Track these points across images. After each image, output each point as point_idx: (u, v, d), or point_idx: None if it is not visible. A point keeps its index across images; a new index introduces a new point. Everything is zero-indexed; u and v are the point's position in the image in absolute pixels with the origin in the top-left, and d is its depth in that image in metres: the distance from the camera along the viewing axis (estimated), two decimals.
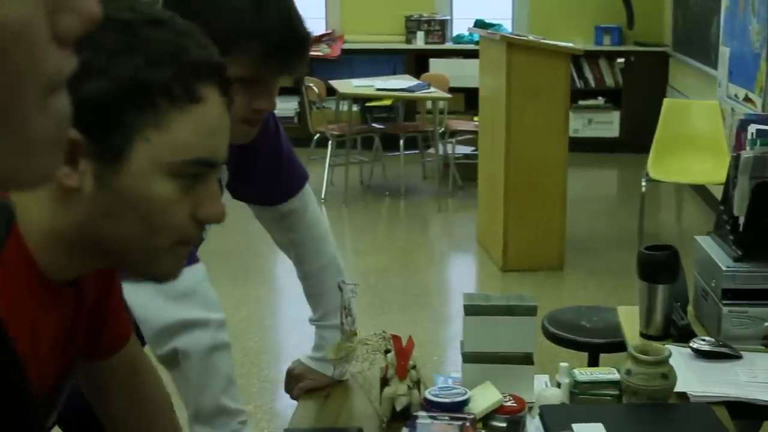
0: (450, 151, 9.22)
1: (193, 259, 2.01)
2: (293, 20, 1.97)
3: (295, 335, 5.49)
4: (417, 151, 9.70)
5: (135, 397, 1.68)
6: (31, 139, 0.72)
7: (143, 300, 1.95)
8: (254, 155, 2.35)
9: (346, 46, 10.78)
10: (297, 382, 2.57)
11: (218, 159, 1.31)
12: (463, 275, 7.38)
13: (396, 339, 2.35)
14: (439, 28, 10.83)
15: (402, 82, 9.07)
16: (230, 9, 1.91)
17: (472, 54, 9.47)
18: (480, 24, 10.26)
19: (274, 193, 2.48)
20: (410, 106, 10.14)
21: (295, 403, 2.57)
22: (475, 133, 8.57)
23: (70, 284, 1.36)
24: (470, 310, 2.43)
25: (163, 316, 1.99)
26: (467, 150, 9.31)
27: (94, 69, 1.21)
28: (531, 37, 7.11)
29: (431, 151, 9.44)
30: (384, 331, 2.42)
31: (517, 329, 2.42)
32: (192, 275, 1.99)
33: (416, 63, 10.59)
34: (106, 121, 1.23)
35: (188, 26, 1.29)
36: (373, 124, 9.42)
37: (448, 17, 11.01)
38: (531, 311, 2.42)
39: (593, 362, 3.78)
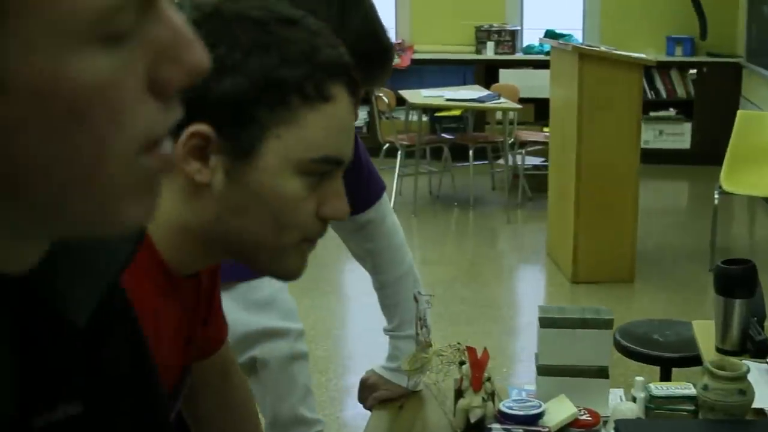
0: (519, 162, 9.18)
1: None
2: (377, 31, 1.99)
3: (363, 345, 5.50)
4: (486, 162, 9.67)
5: (223, 400, 1.70)
6: (119, 194, 0.73)
7: (225, 307, 1.97)
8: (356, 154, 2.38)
9: (416, 56, 10.79)
10: (371, 392, 2.57)
11: (345, 157, 1.33)
12: (532, 287, 7.34)
13: (471, 351, 2.35)
14: (509, 38, 10.80)
15: (472, 92, 9.05)
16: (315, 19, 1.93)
17: (542, 64, 9.45)
18: (551, 34, 10.22)
19: (353, 203, 2.50)
20: (480, 117, 10.12)
21: (365, 413, 2.57)
22: (544, 143, 8.55)
23: (190, 277, 1.39)
24: (545, 323, 2.42)
25: (244, 324, 2.00)
26: (537, 161, 9.28)
27: (228, 66, 1.23)
28: (603, 48, 7.08)
29: (500, 161, 9.41)
30: (459, 343, 2.41)
31: (593, 342, 2.40)
32: (272, 285, 2.01)
33: (486, 73, 10.56)
34: (238, 118, 1.25)
35: (319, 26, 1.31)
36: (443, 134, 9.42)
37: (518, 27, 10.97)
38: (607, 324, 2.41)
39: (665, 377, 3.74)
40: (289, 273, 1.37)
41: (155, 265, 1.31)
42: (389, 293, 2.57)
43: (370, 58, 1.96)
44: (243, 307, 2.02)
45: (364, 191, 2.50)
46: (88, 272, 0.85)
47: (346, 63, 1.30)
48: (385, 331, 2.61)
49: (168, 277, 1.33)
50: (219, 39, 1.24)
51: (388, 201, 2.58)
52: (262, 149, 1.26)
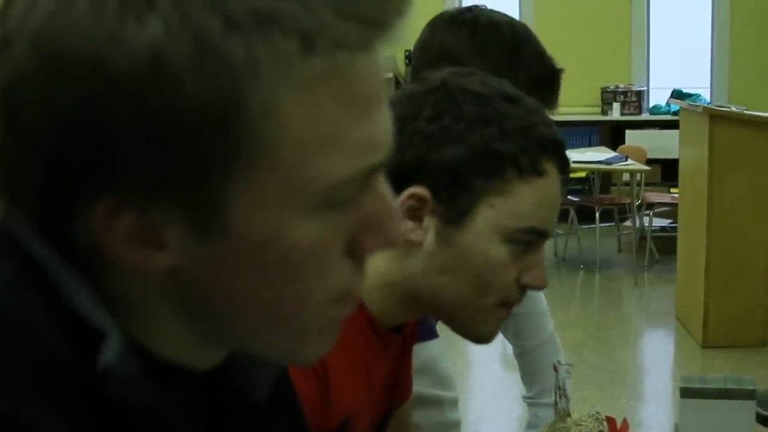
0: (647, 224, 9.08)
1: (432, 334, 2.04)
2: (547, 54, 2.10)
3: (491, 410, 5.46)
4: (613, 224, 9.59)
5: None
6: (308, 335, 0.81)
7: None
8: None
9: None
10: None
11: (550, 230, 1.39)
12: (660, 351, 7.23)
13: (611, 421, 2.30)
14: (635, 98, 10.72)
15: (598, 153, 9.01)
16: (492, 48, 2.04)
17: (669, 125, 9.36)
18: (678, 94, 10.12)
19: None
20: (606, 178, 10.04)
21: None
22: (672, 205, 8.45)
23: (396, 330, 1.45)
24: (687, 393, 2.37)
25: None
26: (664, 222, 9.17)
27: (451, 136, 1.31)
28: (733, 108, 6.99)
29: (627, 223, 9.32)
30: (598, 413, 2.37)
31: (735, 413, 2.34)
32: (429, 350, 2.01)
33: (612, 134, 10.49)
34: (456, 184, 1.32)
35: (537, 104, 1.38)
36: (569, 196, 9.37)
37: (645, 88, 10.89)
38: (749, 395, 2.35)
39: None
40: (482, 336, 1.45)
41: (364, 320, 1.38)
42: (531, 360, 2.56)
43: (546, 80, 2.06)
44: None
45: None
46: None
47: (560, 141, 1.36)
48: (524, 398, 2.60)
49: (376, 331, 1.40)
50: (444, 109, 1.33)
51: None
52: (474, 215, 1.32)
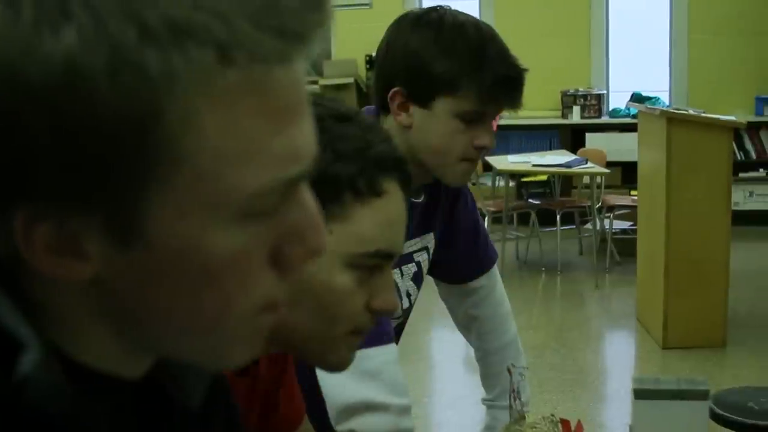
0: (607, 226, 9.13)
1: (386, 340, 2.02)
2: (511, 55, 2.12)
3: (454, 413, 5.47)
4: (573, 227, 9.65)
5: None
6: (231, 343, 0.82)
7: (329, 376, 1.97)
8: (456, 228, 2.45)
9: (502, 121, 10.76)
10: None
11: (396, 251, 1.32)
12: (622, 353, 7.27)
13: (565, 423, 2.32)
14: (595, 102, 10.76)
15: (558, 157, 9.05)
16: (457, 49, 2.07)
17: (629, 127, 9.41)
18: (637, 97, 10.18)
19: (470, 266, 2.53)
20: (566, 181, 10.08)
21: None
22: (632, 207, 8.49)
23: (241, 374, 1.39)
24: (640, 395, 2.39)
25: (346, 394, 1.99)
26: (625, 225, 9.22)
27: None
28: (691, 111, 7.04)
29: (588, 226, 9.37)
30: (552, 415, 2.39)
31: (689, 414, 2.37)
32: (382, 356, 2.00)
33: (572, 137, 10.54)
34: None
35: (371, 121, 1.33)
36: (530, 200, 9.41)
37: (604, 91, 10.94)
38: (703, 395, 2.37)
39: None
40: (335, 365, 1.37)
41: None
42: (493, 361, 2.58)
43: (510, 79, 2.08)
44: (348, 376, 2.00)
45: (482, 255, 2.54)
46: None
47: (398, 157, 1.30)
48: (484, 401, 2.60)
49: None
50: None
51: (497, 270, 2.60)
52: None
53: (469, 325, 2.58)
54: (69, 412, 0.75)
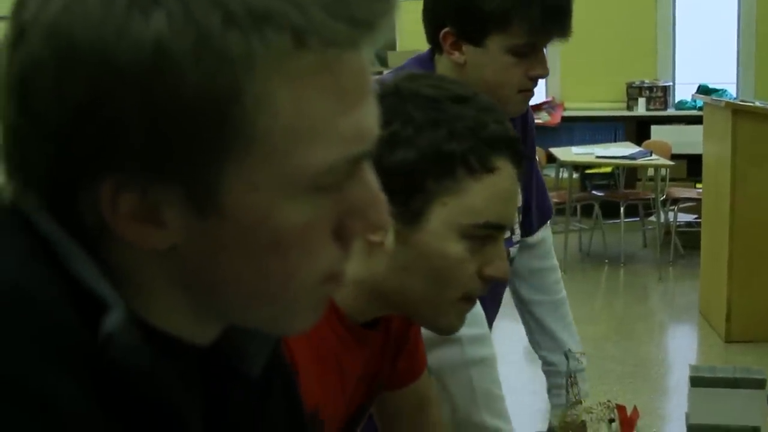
0: (671, 219, 9.09)
1: None
2: None
3: (511, 406, 5.48)
4: (637, 219, 9.58)
5: (419, 430, 1.76)
6: (296, 310, 0.87)
7: None
8: (530, 167, 2.50)
9: (566, 113, 10.75)
10: None
11: (507, 223, 1.44)
12: (684, 346, 7.25)
13: (621, 409, 2.35)
14: (661, 94, 10.68)
15: (623, 149, 9.02)
16: None
17: (695, 120, 9.32)
18: (704, 90, 10.08)
19: (530, 219, 2.57)
20: (631, 173, 10.02)
21: None
22: (697, 200, 8.44)
23: (371, 326, 1.50)
24: (696, 382, 2.41)
25: None
26: (689, 218, 9.17)
27: (402, 140, 1.36)
28: (757, 103, 6.98)
29: (652, 218, 9.32)
30: (609, 401, 2.42)
31: (745, 402, 2.38)
32: None
33: (637, 129, 10.44)
34: (409, 187, 1.37)
35: (489, 103, 1.43)
36: (593, 192, 9.39)
37: (670, 83, 10.85)
38: (759, 384, 2.38)
39: None
40: (446, 328, 1.48)
41: (335, 317, 1.42)
42: (564, 313, 2.62)
43: (558, 8, 2.13)
44: None
45: (541, 208, 2.58)
46: (259, 331, 0.95)
47: (511, 137, 1.41)
48: (568, 353, 2.60)
49: (347, 327, 1.44)
50: (394, 115, 1.36)
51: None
52: (429, 215, 1.37)
53: (529, 278, 2.61)
54: (149, 369, 0.80)
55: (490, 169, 1.38)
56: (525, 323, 2.70)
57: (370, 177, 0.86)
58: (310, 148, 0.78)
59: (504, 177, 1.40)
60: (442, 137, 1.36)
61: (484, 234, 1.40)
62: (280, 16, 0.75)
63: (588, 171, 9.66)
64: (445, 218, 1.37)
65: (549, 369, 2.64)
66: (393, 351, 1.61)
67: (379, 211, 0.85)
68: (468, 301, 1.45)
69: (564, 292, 2.63)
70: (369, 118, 0.83)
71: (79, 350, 0.76)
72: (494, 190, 1.39)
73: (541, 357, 2.67)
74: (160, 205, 0.78)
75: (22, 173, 0.81)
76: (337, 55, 0.78)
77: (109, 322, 0.78)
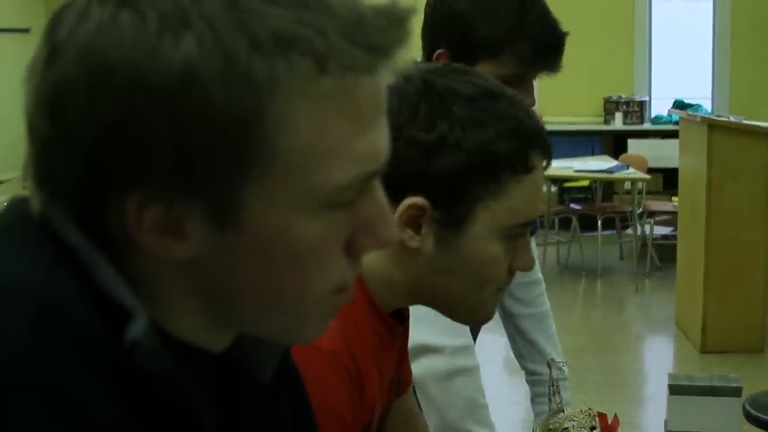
0: (648, 232, 9.17)
1: None
2: (552, 19, 2.15)
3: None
4: (614, 232, 9.68)
5: None
6: (307, 320, 0.91)
7: None
8: None
9: (545, 127, 10.75)
10: None
11: (536, 217, 1.44)
12: (660, 356, 7.31)
13: (602, 417, 2.40)
14: (637, 109, 10.78)
15: (600, 163, 9.10)
16: (500, 14, 2.09)
17: (671, 134, 9.42)
18: (679, 104, 10.19)
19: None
20: (608, 187, 10.08)
21: None
22: (673, 213, 8.52)
23: (399, 320, 1.49)
24: (675, 390, 2.48)
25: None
26: (665, 230, 9.24)
27: (449, 143, 1.32)
28: (732, 118, 7.07)
29: (629, 231, 9.41)
30: (590, 409, 2.48)
31: (722, 410, 2.44)
32: None
33: (614, 143, 10.54)
34: (454, 192, 1.34)
35: (517, 97, 1.40)
36: (571, 205, 9.46)
37: (647, 98, 10.96)
38: (736, 392, 2.45)
39: None
40: (483, 320, 1.48)
41: (378, 318, 1.43)
42: (548, 325, 2.66)
43: (549, 45, 2.13)
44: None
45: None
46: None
47: (541, 130, 1.39)
48: (553, 361, 2.66)
49: (387, 326, 1.45)
50: (438, 116, 1.34)
51: None
52: (473, 219, 1.35)
53: (516, 292, 2.65)
54: (171, 376, 0.83)
55: (529, 169, 1.35)
56: (509, 335, 2.72)
57: (380, 193, 0.89)
58: (327, 167, 0.82)
59: (539, 174, 1.38)
60: (489, 139, 1.32)
61: (520, 232, 1.39)
62: (304, 41, 0.79)
63: (566, 185, 9.74)
64: (489, 221, 1.35)
65: (533, 378, 2.70)
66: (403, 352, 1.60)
67: (388, 226, 0.89)
68: (500, 291, 1.45)
69: (548, 304, 2.69)
70: (382, 138, 0.87)
71: (105, 357, 0.79)
72: (532, 189, 1.37)
73: (524, 367, 2.71)
74: (182, 219, 0.81)
75: (49, 184, 0.83)
76: (355, 79, 0.81)
77: (134, 330, 0.81)
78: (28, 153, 0.84)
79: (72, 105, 0.79)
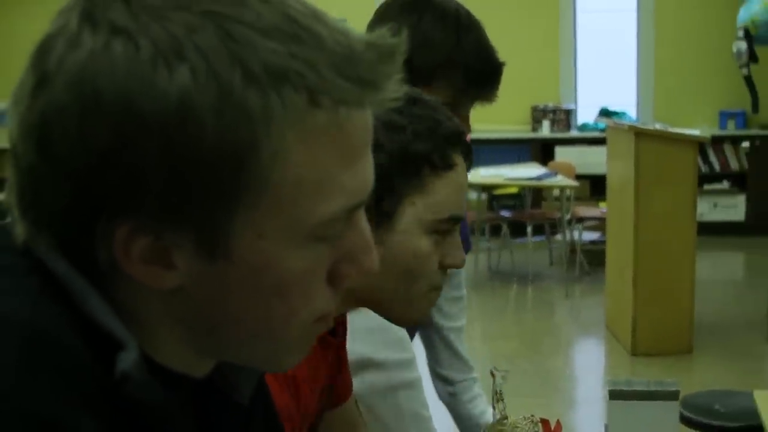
0: (577, 237, 9.29)
1: None
2: (489, 50, 2.16)
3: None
4: (544, 238, 9.80)
5: None
6: (290, 348, 0.92)
7: None
8: None
9: (474, 135, 10.71)
10: None
11: (463, 214, 1.49)
12: (591, 359, 7.42)
13: (545, 423, 2.46)
14: (564, 116, 10.94)
15: (529, 170, 9.20)
16: (435, 42, 2.10)
17: (597, 141, 9.57)
18: (605, 112, 10.34)
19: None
20: (537, 193, 10.19)
21: None
22: (601, 219, 8.65)
23: (331, 333, 1.52)
24: (614, 395, 2.54)
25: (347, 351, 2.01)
26: (594, 236, 9.36)
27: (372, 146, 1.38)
28: (658, 126, 7.21)
29: (558, 237, 9.51)
30: (533, 415, 2.54)
31: (660, 413, 2.50)
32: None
33: (542, 151, 10.68)
34: (380, 190, 1.34)
35: (437, 102, 1.48)
36: (501, 212, 9.55)
37: (573, 106, 11.10)
38: (673, 396, 2.51)
39: None
40: (417, 320, 1.54)
41: None
42: (463, 337, 2.71)
43: (484, 74, 2.14)
44: (349, 332, 2.00)
45: (464, 240, 2.67)
46: None
47: (461, 131, 1.46)
48: (470, 379, 2.73)
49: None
50: None
51: None
52: (400, 215, 1.43)
53: (444, 307, 2.70)
54: (161, 405, 0.84)
55: (450, 166, 1.43)
56: (431, 347, 2.76)
57: (363, 223, 0.90)
58: (315, 200, 0.82)
59: (460, 171, 1.45)
60: (407, 139, 1.40)
61: (446, 228, 1.45)
62: (297, 76, 0.78)
63: (496, 192, 9.83)
64: (414, 216, 1.42)
65: (461, 384, 2.76)
66: (340, 362, 1.63)
67: (370, 256, 0.89)
68: (435, 290, 1.50)
69: (465, 320, 2.76)
70: (368, 169, 0.88)
71: (95, 387, 0.79)
72: (454, 185, 1.44)
73: (444, 376, 2.76)
74: (170, 249, 0.81)
75: (33, 212, 0.82)
76: (347, 113, 0.81)
77: (125, 361, 0.80)
78: (11, 180, 0.83)
79: (61, 132, 0.78)
